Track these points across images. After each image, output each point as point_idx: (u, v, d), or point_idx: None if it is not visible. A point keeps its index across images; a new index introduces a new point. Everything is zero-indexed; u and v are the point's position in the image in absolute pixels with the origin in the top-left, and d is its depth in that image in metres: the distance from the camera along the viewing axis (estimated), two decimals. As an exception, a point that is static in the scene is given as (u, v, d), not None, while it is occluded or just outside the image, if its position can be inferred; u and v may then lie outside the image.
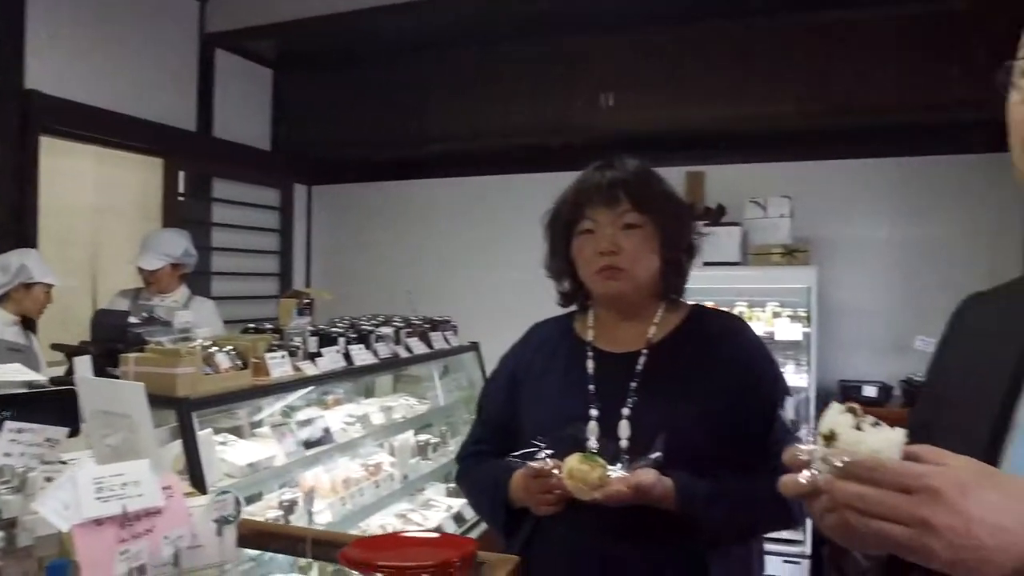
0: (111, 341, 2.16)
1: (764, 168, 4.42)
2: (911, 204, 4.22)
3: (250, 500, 2.69)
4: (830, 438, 0.71)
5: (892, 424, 0.74)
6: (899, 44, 3.82)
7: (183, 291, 3.75)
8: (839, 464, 0.68)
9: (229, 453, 2.41)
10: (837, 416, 0.73)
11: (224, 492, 1.09)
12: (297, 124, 5.05)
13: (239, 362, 2.30)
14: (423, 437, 3.45)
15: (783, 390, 1.50)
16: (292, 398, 2.79)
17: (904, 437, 0.69)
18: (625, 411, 1.45)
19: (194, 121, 4.48)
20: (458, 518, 3.24)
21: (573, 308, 1.67)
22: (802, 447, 0.75)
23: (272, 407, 2.73)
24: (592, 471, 1.32)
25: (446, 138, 4.68)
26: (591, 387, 1.49)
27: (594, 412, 1.46)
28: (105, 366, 2.13)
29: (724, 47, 4.10)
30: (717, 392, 1.44)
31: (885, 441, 0.69)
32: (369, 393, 3.63)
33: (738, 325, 1.59)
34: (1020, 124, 0.79)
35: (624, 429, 1.44)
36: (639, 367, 1.49)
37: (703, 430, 1.42)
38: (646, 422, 1.42)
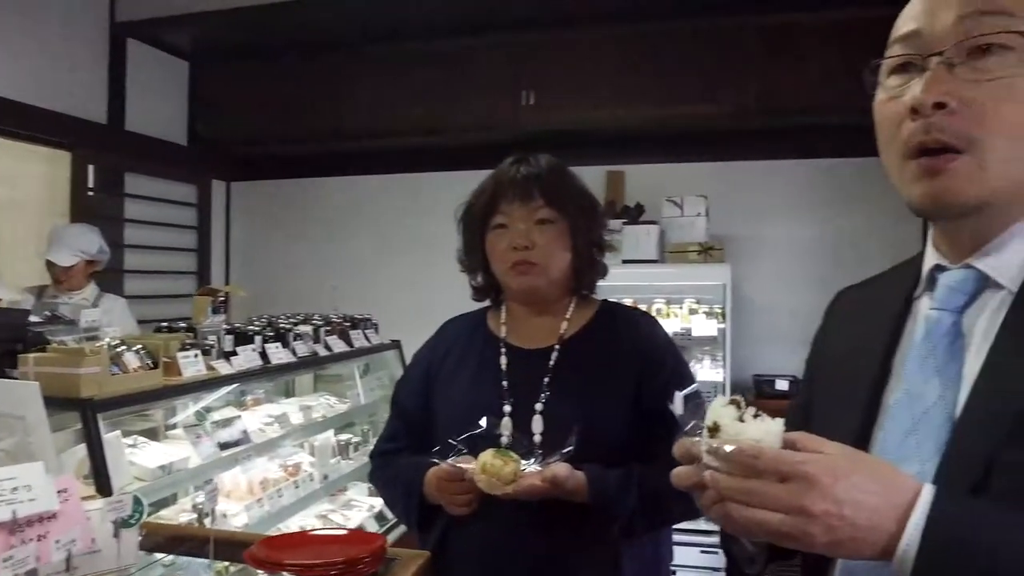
0: (9, 341, 2.07)
1: (681, 168, 4.53)
2: (821, 203, 4.38)
3: (164, 504, 2.63)
4: (714, 430, 0.74)
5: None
6: (813, 49, 3.94)
7: (92, 289, 3.61)
8: (722, 452, 0.71)
9: (139, 456, 2.34)
10: (720, 408, 0.76)
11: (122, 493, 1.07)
12: (215, 118, 4.91)
13: (149, 361, 2.24)
14: (344, 436, 3.42)
15: (686, 382, 1.54)
16: (210, 399, 2.73)
17: (783, 427, 0.73)
18: (538, 406, 1.48)
19: (104, 113, 4.32)
20: (380, 517, 3.22)
21: (486, 304, 1.69)
22: (688, 440, 0.78)
23: (188, 408, 2.67)
24: (505, 466, 1.34)
25: (367, 134, 4.62)
26: (504, 383, 1.52)
27: (507, 408, 1.48)
28: (3, 368, 2.03)
29: (645, 48, 4.17)
30: (624, 384, 1.48)
31: (765, 431, 0.72)
32: (289, 393, 3.58)
33: (644, 319, 1.64)
34: (885, 122, 0.83)
35: (537, 424, 1.47)
36: (552, 363, 1.52)
37: (614, 422, 1.46)
38: (559, 417, 1.45)
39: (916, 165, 0.78)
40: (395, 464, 1.61)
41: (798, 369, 4.21)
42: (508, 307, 1.64)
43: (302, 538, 1.30)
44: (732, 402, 0.76)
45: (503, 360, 1.55)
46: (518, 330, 1.60)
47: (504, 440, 1.46)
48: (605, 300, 1.66)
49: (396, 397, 1.71)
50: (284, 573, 1.07)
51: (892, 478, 0.68)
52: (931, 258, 0.88)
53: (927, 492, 0.66)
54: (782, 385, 4.01)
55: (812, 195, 4.40)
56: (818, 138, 4.31)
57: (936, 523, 0.64)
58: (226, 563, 1.39)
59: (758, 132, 4.36)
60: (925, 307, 0.86)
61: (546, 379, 1.50)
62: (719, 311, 4.03)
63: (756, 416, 0.74)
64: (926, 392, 0.79)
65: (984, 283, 0.80)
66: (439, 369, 1.61)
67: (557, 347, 1.54)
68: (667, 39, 4.15)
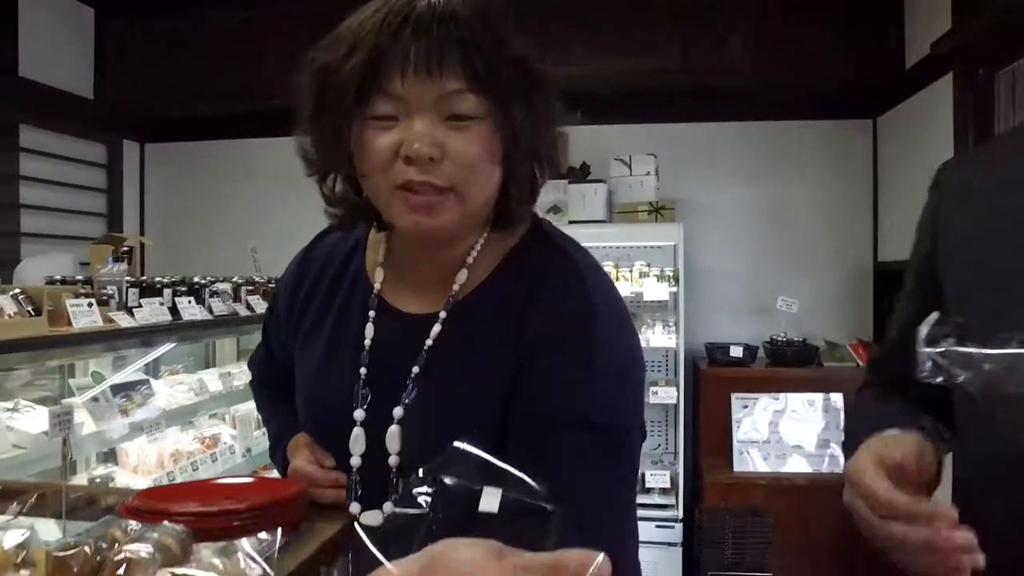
0: None
1: (627, 129, 4.31)
2: (770, 167, 4.25)
3: (54, 475, 2.32)
4: None
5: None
6: (761, 12, 3.80)
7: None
8: None
9: (20, 421, 2.01)
10: None
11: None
12: (124, 72, 4.46)
13: (30, 308, 1.90)
14: (270, 407, 3.12)
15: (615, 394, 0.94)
16: (110, 357, 2.40)
17: None
18: (397, 412, 0.97)
19: (-7, 57, 3.86)
20: (309, 494, 2.94)
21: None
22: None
23: (87, 369, 2.35)
24: None
25: (289, 92, 4.25)
26: (363, 370, 1.01)
27: (359, 414, 0.99)
28: None
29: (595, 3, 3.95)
30: (510, 369, 0.94)
31: None
32: (209, 363, 3.28)
33: (568, 267, 0.99)
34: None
35: (393, 440, 0.96)
36: (430, 341, 0.98)
37: (489, 428, 0.92)
38: (421, 429, 0.96)
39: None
40: (269, 401, 1.27)
41: (750, 336, 4.09)
42: (390, 237, 1.08)
43: (196, 487, 1.02)
44: None
45: (370, 329, 1.03)
46: (399, 278, 1.06)
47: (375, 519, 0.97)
48: (529, 232, 1.04)
49: (265, 327, 1.29)
50: (168, 523, 0.79)
51: None
52: None
53: None
54: (736, 352, 3.86)
55: (762, 159, 4.27)
56: (769, 101, 4.18)
57: None
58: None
59: (705, 93, 4.19)
60: None
61: (416, 369, 0.97)
62: (670, 274, 3.84)
63: None
64: None
65: None
66: (301, 316, 1.13)
67: (443, 315, 0.99)
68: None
